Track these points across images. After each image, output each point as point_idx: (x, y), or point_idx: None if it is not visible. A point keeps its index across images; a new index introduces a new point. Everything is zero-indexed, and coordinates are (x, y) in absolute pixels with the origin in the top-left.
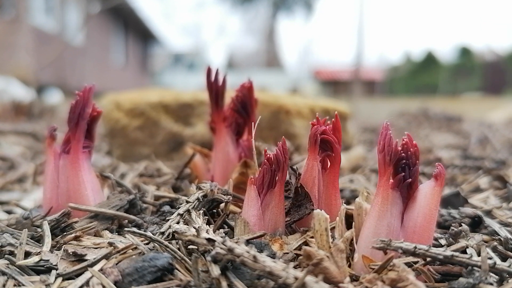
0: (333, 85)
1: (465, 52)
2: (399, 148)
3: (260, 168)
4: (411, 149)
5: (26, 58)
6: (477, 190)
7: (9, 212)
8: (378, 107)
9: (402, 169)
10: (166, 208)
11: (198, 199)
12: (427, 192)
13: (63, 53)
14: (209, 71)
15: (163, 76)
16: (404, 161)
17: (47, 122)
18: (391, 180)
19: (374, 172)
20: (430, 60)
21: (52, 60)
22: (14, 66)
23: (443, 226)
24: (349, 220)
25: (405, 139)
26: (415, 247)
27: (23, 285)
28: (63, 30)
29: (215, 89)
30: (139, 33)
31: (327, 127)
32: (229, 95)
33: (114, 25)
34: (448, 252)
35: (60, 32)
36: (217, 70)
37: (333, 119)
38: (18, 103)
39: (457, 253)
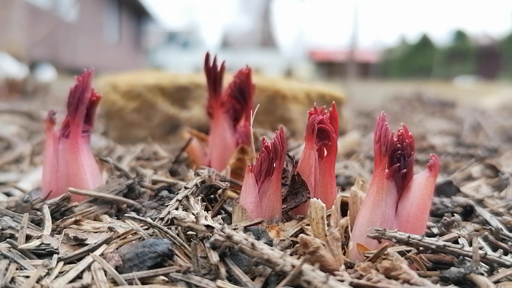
0: (328, 66)
1: (460, 36)
2: (395, 139)
3: (258, 156)
4: (406, 140)
5: (18, 34)
6: (469, 178)
7: (7, 194)
8: (372, 90)
9: (397, 160)
10: (164, 193)
11: (196, 185)
12: (421, 182)
13: (55, 29)
14: (207, 56)
15: (157, 54)
16: (400, 151)
17: (41, 100)
18: (386, 170)
19: (368, 158)
20: (425, 43)
21: (44, 36)
22: (6, 41)
23: (435, 214)
24: (344, 207)
25: (400, 130)
26: (409, 237)
27: (25, 268)
28: (56, 5)
29: (213, 74)
30: (133, 10)
31: (324, 116)
32: (226, 77)
33: (108, 1)
34: (441, 242)
35: (53, 8)
36: (215, 56)
37: (330, 109)
38: (12, 80)
39: (449, 243)
